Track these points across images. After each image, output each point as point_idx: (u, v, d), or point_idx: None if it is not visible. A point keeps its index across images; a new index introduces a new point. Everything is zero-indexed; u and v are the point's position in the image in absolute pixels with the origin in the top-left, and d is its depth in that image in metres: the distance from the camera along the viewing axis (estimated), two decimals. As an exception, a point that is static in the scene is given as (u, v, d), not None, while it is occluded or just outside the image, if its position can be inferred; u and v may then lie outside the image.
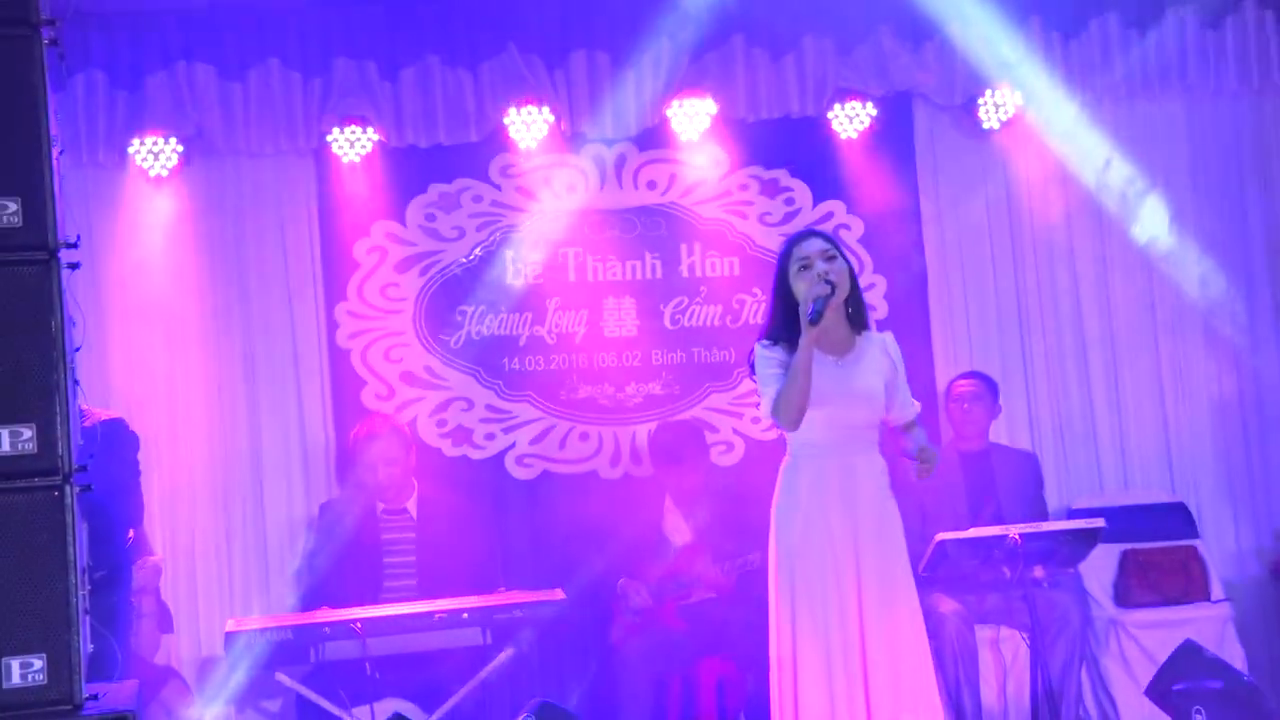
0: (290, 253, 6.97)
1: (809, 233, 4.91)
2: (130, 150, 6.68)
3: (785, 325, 4.75)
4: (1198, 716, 5.07)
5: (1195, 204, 7.41)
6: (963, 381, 6.80)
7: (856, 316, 4.83)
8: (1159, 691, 5.58)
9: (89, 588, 3.77)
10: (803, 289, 4.69)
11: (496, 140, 6.96)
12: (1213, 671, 5.19)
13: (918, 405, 4.90)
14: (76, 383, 3.68)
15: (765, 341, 4.79)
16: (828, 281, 4.64)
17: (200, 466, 6.78)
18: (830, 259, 4.72)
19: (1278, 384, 7.39)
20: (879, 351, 4.82)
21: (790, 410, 4.62)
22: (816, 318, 4.56)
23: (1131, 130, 7.35)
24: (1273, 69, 7.25)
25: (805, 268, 4.71)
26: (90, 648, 3.68)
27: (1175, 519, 7.03)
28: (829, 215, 7.18)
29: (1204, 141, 7.45)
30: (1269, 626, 7.15)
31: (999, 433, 6.98)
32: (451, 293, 7.04)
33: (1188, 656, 5.24)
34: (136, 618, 5.70)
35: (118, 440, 5.54)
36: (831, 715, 4.54)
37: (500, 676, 6.03)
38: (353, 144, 6.81)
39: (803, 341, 4.59)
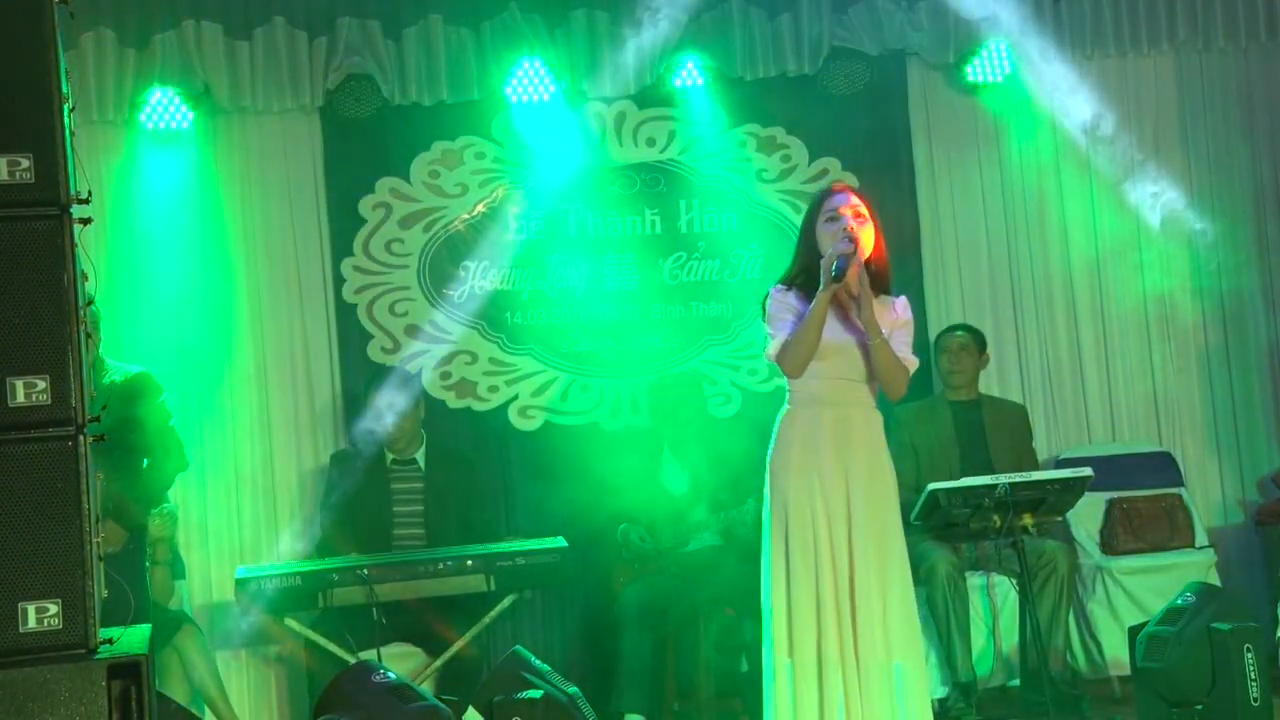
0: (296, 209, 7.02)
1: (845, 188, 4.89)
2: (139, 107, 6.73)
3: (805, 272, 4.76)
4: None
5: (1183, 158, 7.47)
6: (949, 335, 6.87)
7: (878, 277, 4.79)
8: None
9: (103, 534, 3.81)
10: (827, 241, 4.68)
11: (499, 98, 7.02)
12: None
13: (915, 361, 4.84)
14: (89, 335, 3.69)
15: (781, 286, 4.81)
16: (850, 239, 4.63)
17: (210, 419, 6.83)
18: (859, 216, 4.70)
19: (1262, 336, 7.47)
20: (888, 310, 4.79)
21: (797, 358, 4.65)
22: (840, 275, 4.55)
23: (1121, 86, 7.43)
24: (1260, 26, 7.34)
25: (832, 219, 4.70)
26: (104, 593, 3.70)
27: (1161, 468, 7.12)
28: (824, 172, 7.25)
29: (1193, 97, 7.51)
30: (1251, 572, 7.25)
31: (990, 384, 7.06)
32: (455, 248, 7.11)
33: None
34: (150, 564, 5.80)
35: (148, 392, 5.67)
36: (821, 660, 4.58)
37: (504, 622, 6.16)
38: (357, 102, 6.87)
39: (820, 295, 4.60)
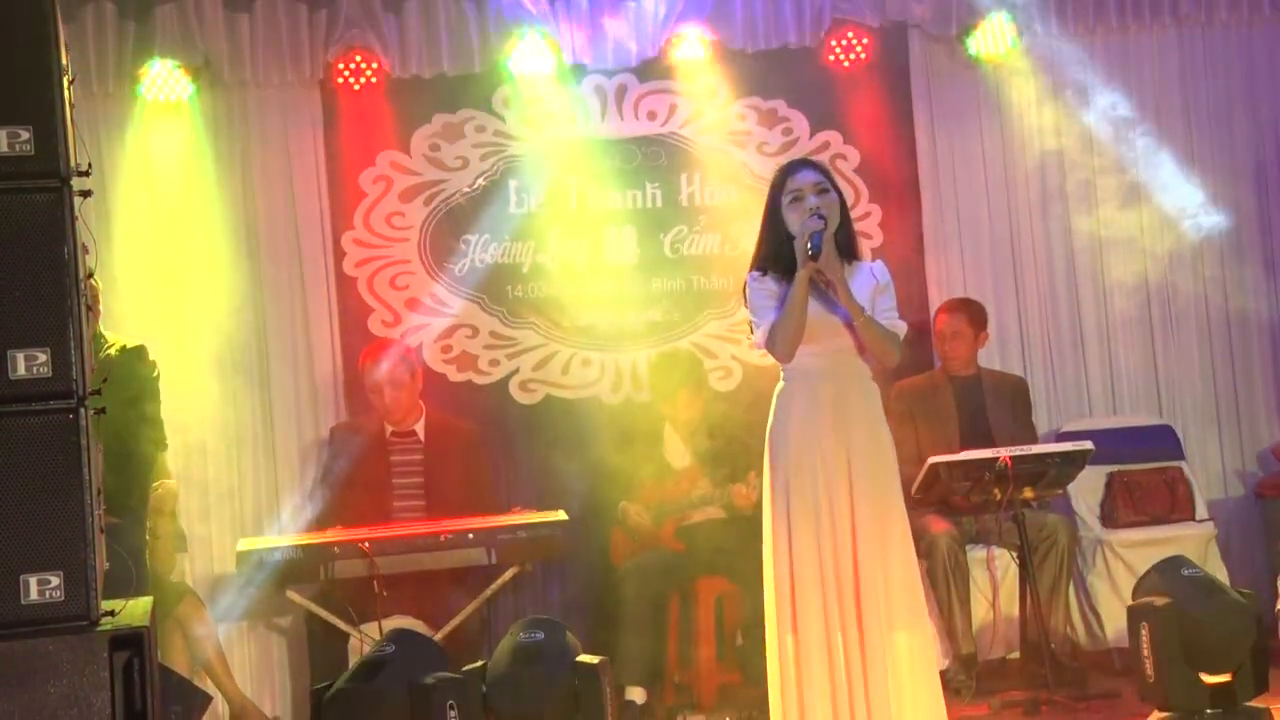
0: (297, 182, 7.01)
1: (802, 163, 4.89)
2: (139, 80, 6.72)
3: (775, 255, 4.73)
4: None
5: (1185, 132, 7.45)
6: (944, 315, 6.83)
7: (847, 246, 4.77)
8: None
9: (104, 507, 3.82)
10: (795, 222, 4.67)
11: (499, 71, 7.00)
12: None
13: (903, 325, 4.81)
14: (89, 308, 3.69)
15: (755, 273, 4.79)
16: (819, 216, 4.62)
17: (211, 391, 6.82)
18: (823, 192, 4.69)
19: (1263, 309, 7.46)
20: (867, 276, 4.78)
21: (786, 343, 4.65)
22: (817, 254, 4.54)
23: (1123, 59, 7.41)
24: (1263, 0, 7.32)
25: (797, 199, 4.69)
26: (106, 565, 3.71)
27: (1161, 441, 7.11)
28: (825, 145, 7.23)
29: (1195, 70, 7.49)
30: (1250, 545, 7.26)
31: (991, 357, 7.07)
32: (456, 221, 7.10)
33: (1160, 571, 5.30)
34: (153, 537, 5.80)
35: (145, 366, 5.65)
36: (826, 633, 4.59)
37: (505, 595, 6.16)
38: (358, 75, 6.86)
39: (799, 276, 4.59)
